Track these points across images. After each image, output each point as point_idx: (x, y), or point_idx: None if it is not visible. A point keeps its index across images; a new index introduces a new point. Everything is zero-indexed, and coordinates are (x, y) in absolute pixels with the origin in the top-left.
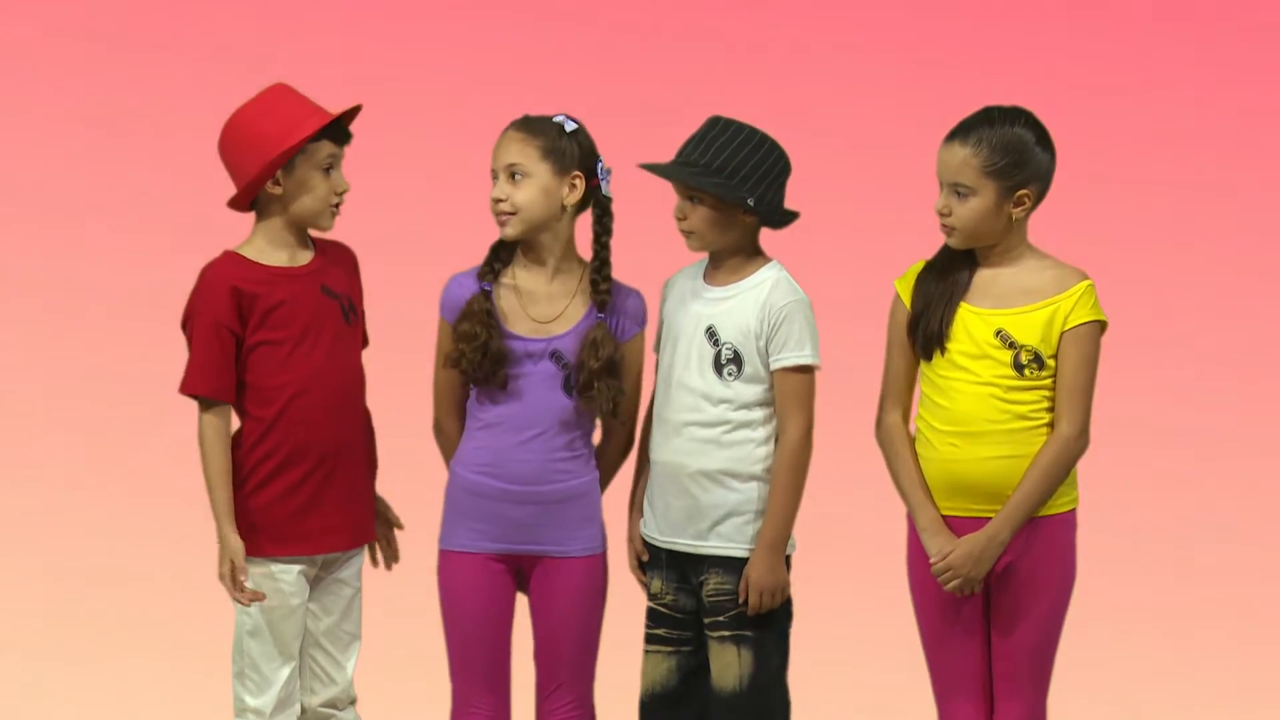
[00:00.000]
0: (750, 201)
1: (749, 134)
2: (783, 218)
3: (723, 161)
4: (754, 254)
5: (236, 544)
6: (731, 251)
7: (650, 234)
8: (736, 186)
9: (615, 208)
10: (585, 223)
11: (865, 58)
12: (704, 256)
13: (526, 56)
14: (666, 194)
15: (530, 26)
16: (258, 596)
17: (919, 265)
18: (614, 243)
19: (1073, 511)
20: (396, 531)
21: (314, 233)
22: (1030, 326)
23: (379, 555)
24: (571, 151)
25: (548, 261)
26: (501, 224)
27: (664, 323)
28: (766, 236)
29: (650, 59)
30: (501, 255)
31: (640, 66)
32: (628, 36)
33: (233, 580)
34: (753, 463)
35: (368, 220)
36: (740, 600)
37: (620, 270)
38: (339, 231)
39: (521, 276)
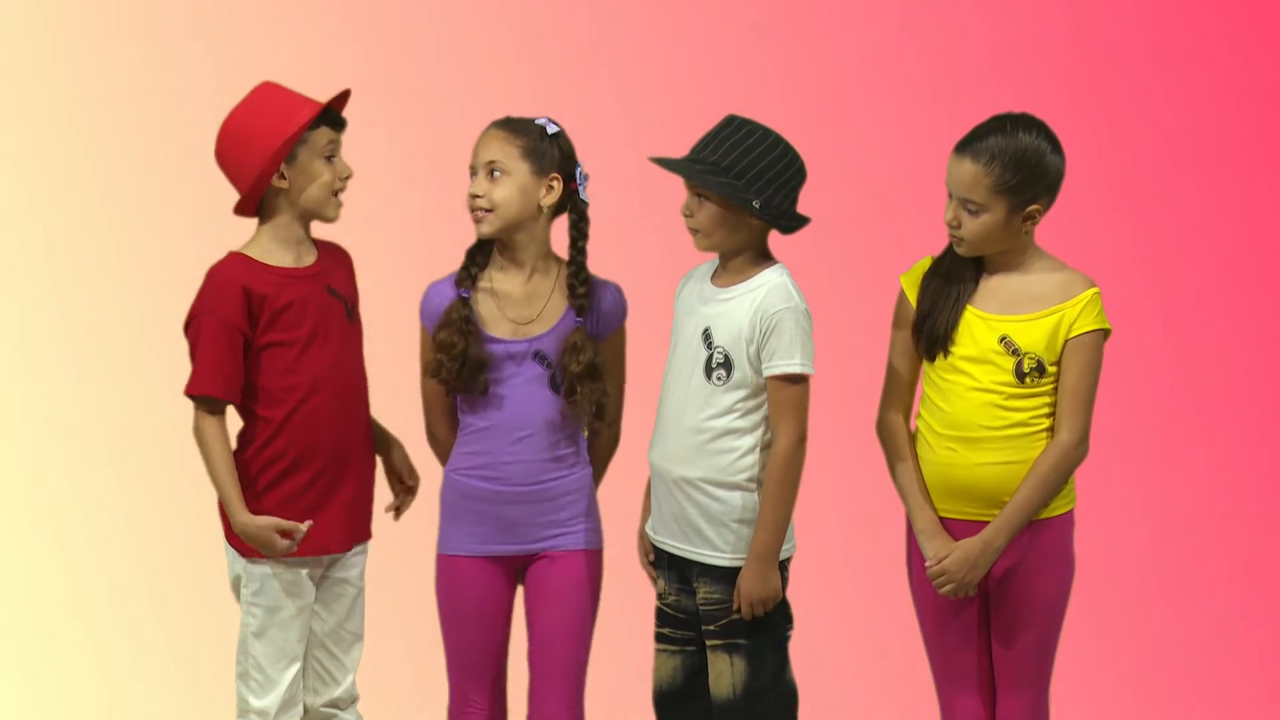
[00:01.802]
0: (756, 204)
1: (762, 135)
2: (791, 222)
3: (731, 161)
4: (760, 257)
5: (260, 520)
6: (737, 252)
7: (662, 230)
8: (743, 188)
9: (628, 202)
10: (563, 227)
11: (872, 55)
12: (718, 255)
13: (530, 55)
14: (680, 190)
15: (536, 23)
16: (294, 532)
17: (925, 261)
18: (627, 237)
19: (1070, 513)
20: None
21: (314, 233)
22: (1035, 334)
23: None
24: (551, 154)
25: (524, 262)
26: (477, 220)
27: (674, 321)
28: (776, 237)
29: (658, 57)
30: (478, 259)
31: (644, 65)
32: (636, 35)
33: (273, 544)
34: (735, 472)
35: (367, 221)
36: (734, 609)
37: (630, 267)
38: (340, 228)
39: (498, 279)
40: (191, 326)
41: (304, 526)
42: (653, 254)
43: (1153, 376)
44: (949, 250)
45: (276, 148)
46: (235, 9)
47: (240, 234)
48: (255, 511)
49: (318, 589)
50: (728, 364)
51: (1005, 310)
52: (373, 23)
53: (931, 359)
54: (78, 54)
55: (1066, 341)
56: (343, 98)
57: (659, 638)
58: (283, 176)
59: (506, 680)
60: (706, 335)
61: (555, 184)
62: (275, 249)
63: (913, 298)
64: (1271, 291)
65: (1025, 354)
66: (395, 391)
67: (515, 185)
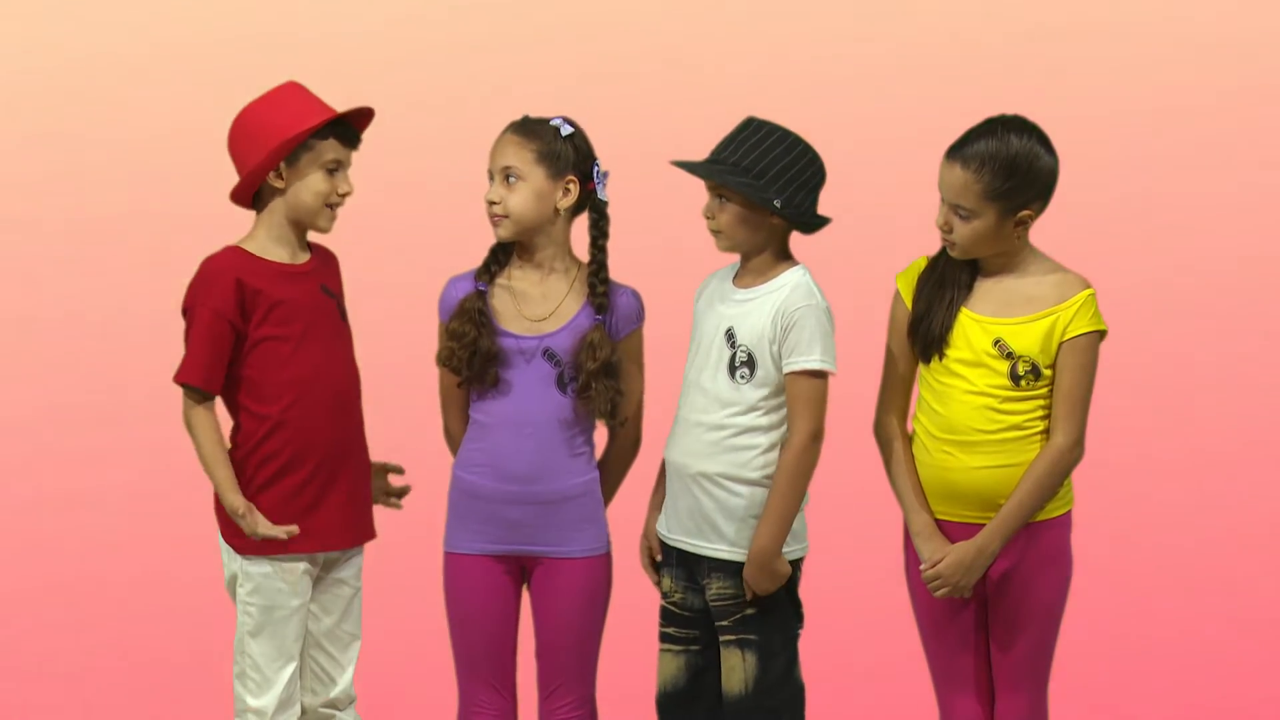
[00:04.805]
0: (777, 203)
1: (781, 136)
2: (812, 222)
3: (752, 162)
4: (781, 257)
5: (241, 501)
6: (759, 253)
7: (681, 234)
8: (764, 187)
9: (643, 204)
10: (582, 225)
11: (872, 53)
12: (738, 258)
13: (539, 55)
14: (695, 193)
15: (543, 23)
16: (282, 531)
17: (921, 261)
18: (643, 242)
19: (1068, 514)
20: (395, 525)
21: (309, 236)
22: (1029, 337)
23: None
24: (567, 155)
25: (542, 262)
26: (495, 225)
27: (694, 323)
28: (797, 240)
29: (675, 57)
30: (499, 257)
31: (664, 66)
32: (641, 37)
33: (254, 528)
34: (755, 469)
35: (370, 220)
36: (745, 600)
37: (642, 270)
38: (342, 231)
39: (516, 277)
40: (186, 316)
41: (285, 533)
42: (671, 258)
43: (1152, 376)
44: (944, 251)
45: (277, 144)
46: (263, 13)
47: (240, 228)
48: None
49: (314, 588)
50: (751, 362)
51: (999, 313)
52: (393, 20)
53: (927, 361)
54: (84, 50)
55: (1061, 344)
56: (366, 118)
57: (663, 637)
58: (280, 176)
59: (515, 680)
60: (729, 334)
61: (572, 186)
62: (270, 244)
63: (908, 298)
64: (1269, 290)
65: (1020, 357)
66: (404, 393)
67: (531, 190)
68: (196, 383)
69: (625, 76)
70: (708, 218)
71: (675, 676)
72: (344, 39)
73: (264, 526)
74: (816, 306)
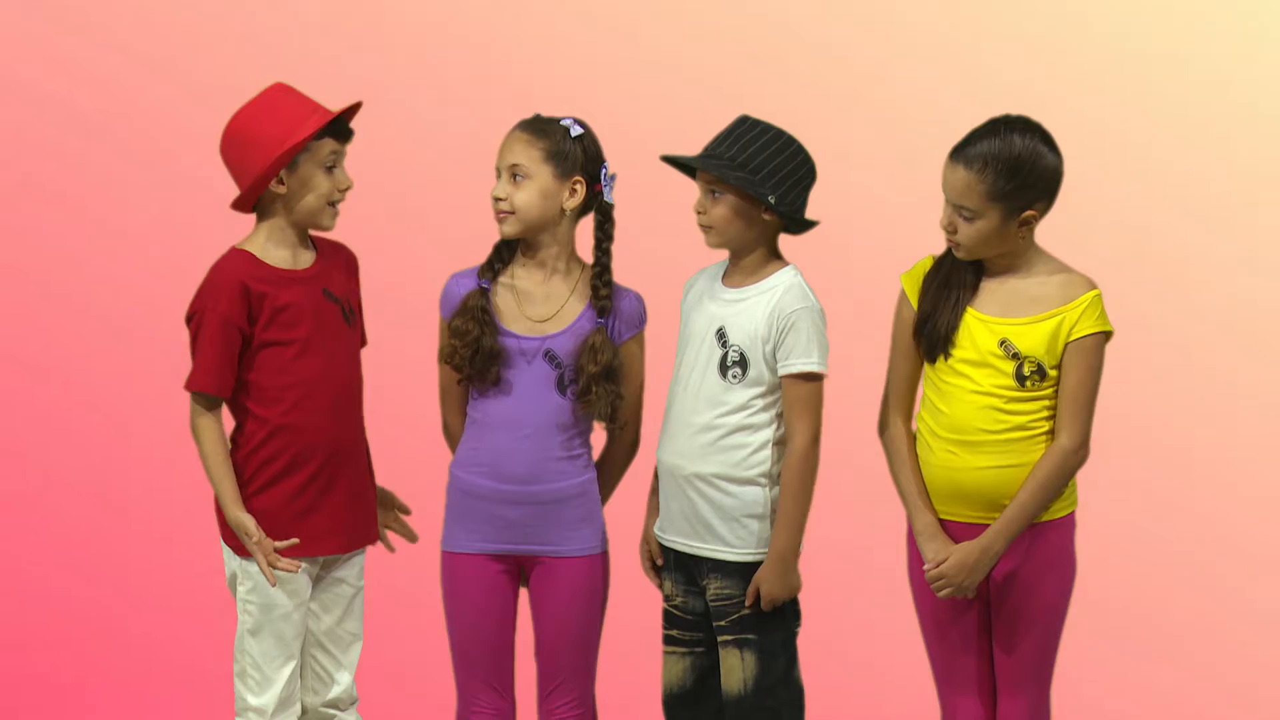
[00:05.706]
0: (772, 199)
1: (776, 134)
2: (803, 223)
3: (747, 158)
4: (771, 256)
5: (247, 518)
6: (749, 251)
7: (670, 234)
8: (759, 183)
9: (636, 205)
10: (588, 226)
11: (873, 51)
12: (726, 257)
13: (546, 53)
14: (688, 194)
15: (546, 21)
16: (291, 568)
17: (926, 261)
18: (634, 240)
19: (1071, 515)
20: (405, 520)
21: (314, 232)
22: (1035, 337)
23: (390, 542)
24: (575, 156)
25: (546, 262)
26: (500, 221)
27: (682, 322)
28: (798, 239)
29: (667, 58)
30: (503, 255)
31: (656, 66)
32: (641, 34)
33: (264, 554)
34: (748, 468)
35: (370, 219)
36: (748, 604)
37: (636, 270)
38: (341, 229)
39: (520, 276)
40: (193, 321)
41: (284, 544)
42: (667, 260)
43: (1157, 376)
44: (949, 251)
45: (279, 154)
46: (265, 7)
47: (240, 229)
48: (251, 510)
49: (315, 587)
50: (743, 362)
51: (1005, 313)
52: (394, 19)
53: (932, 361)
54: (80, 46)
55: (1067, 345)
56: (352, 109)
57: (667, 640)
58: (281, 182)
59: (513, 679)
60: (721, 334)
61: (578, 187)
62: (271, 247)
63: (913, 298)
64: (1273, 290)
65: (1025, 358)
66: (404, 391)
67: (537, 189)
68: (207, 389)
69: (624, 76)
70: (699, 213)
71: (680, 679)
72: (348, 37)
73: (269, 552)
74: (811, 309)
